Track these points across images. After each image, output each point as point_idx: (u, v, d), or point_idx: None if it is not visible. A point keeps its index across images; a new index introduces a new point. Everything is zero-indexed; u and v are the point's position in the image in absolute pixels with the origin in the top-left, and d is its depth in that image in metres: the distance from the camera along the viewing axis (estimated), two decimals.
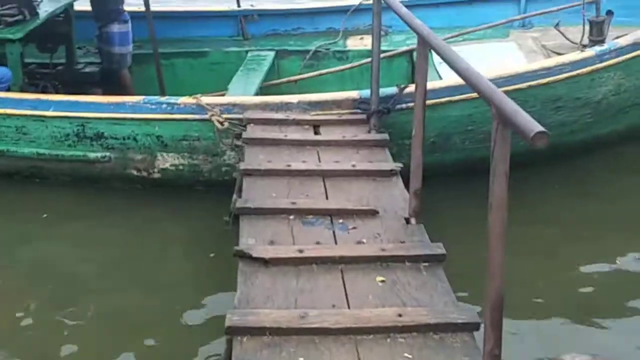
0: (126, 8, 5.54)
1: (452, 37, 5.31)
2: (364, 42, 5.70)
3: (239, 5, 5.98)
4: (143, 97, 3.97)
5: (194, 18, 6.02)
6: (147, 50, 5.66)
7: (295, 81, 5.59)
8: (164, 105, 3.88)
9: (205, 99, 3.87)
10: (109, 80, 5.30)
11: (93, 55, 5.56)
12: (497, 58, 4.75)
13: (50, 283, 3.38)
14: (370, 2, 5.85)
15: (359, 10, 5.85)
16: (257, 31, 5.99)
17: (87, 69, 5.27)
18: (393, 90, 3.87)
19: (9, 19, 4.33)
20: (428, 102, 2.79)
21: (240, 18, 5.93)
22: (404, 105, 3.77)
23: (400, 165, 3.23)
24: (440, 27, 5.72)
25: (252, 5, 6.05)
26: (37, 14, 4.60)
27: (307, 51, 5.63)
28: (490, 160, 1.66)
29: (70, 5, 5.09)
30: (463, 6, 5.77)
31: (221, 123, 3.74)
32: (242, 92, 4.92)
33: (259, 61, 5.53)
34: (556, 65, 3.79)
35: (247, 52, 5.70)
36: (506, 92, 1.72)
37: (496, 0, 5.72)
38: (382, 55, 5.45)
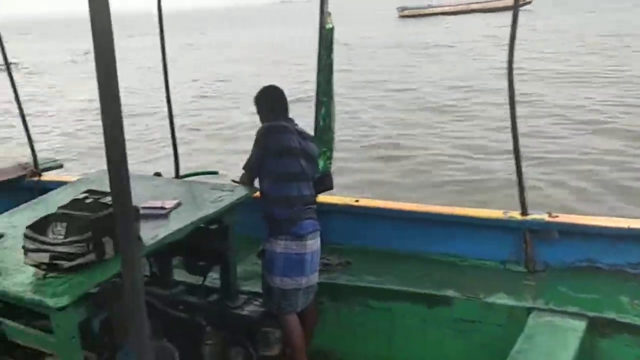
0: (322, 198, 3.38)
1: None
2: None
3: (524, 213, 3.28)
4: None
5: (447, 224, 3.51)
6: (348, 281, 3.34)
7: None
8: None
9: None
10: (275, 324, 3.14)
11: None
12: None
13: None
14: None
15: None
16: (556, 258, 3.23)
17: (247, 309, 3.14)
18: None
19: (68, 263, 2.35)
20: None
21: (525, 233, 3.22)
22: None
23: None
24: None
25: (548, 214, 3.26)
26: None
27: None
28: None
29: (221, 213, 2.99)
30: None
31: None
32: None
33: (554, 341, 2.67)
34: None
35: (528, 310, 2.91)
36: None
37: None
38: None
